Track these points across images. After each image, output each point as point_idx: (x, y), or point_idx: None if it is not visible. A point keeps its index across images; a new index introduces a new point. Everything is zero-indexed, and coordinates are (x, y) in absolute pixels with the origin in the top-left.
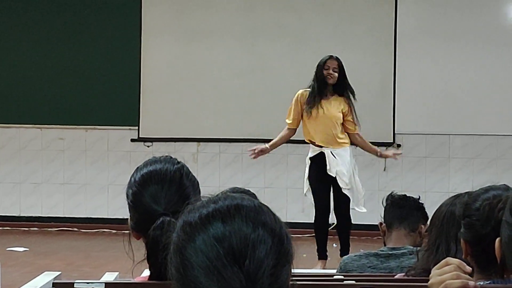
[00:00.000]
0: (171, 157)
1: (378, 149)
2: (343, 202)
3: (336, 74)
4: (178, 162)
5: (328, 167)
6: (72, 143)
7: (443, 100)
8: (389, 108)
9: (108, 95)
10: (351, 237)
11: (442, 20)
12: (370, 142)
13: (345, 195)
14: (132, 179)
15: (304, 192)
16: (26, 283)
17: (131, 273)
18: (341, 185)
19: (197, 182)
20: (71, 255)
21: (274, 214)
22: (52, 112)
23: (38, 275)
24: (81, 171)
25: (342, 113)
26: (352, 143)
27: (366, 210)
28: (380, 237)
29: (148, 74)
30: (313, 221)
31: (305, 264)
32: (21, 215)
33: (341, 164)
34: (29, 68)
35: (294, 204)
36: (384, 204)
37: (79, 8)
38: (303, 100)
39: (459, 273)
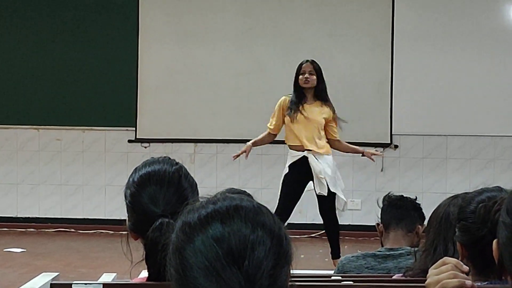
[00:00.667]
0: (169, 158)
1: (361, 148)
2: (328, 205)
3: (314, 77)
4: (177, 163)
5: (312, 169)
6: (70, 144)
7: (441, 101)
8: (386, 109)
9: (105, 96)
10: (348, 238)
11: (439, 22)
12: (367, 143)
13: (329, 197)
14: (131, 179)
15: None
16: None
17: (129, 274)
18: (329, 186)
19: (196, 183)
20: (68, 256)
21: (273, 215)
22: (49, 113)
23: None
24: (78, 172)
25: (325, 119)
26: (333, 148)
27: (346, 200)
28: (377, 237)
29: (145, 75)
30: (310, 222)
31: (303, 265)
32: (18, 216)
33: (326, 166)
34: (27, 69)
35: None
36: (381, 205)
37: (76, 9)
38: (286, 106)
39: (456, 272)
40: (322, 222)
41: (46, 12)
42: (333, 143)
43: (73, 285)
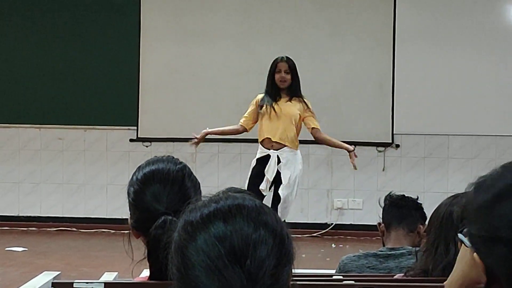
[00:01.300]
0: (173, 157)
1: (351, 147)
2: (274, 203)
3: (289, 77)
4: (181, 163)
5: (266, 169)
6: (71, 143)
7: (442, 100)
8: (387, 108)
9: (107, 95)
10: (350, 237)
11: (441, 21)
12: (369, 142)
13: (277, 197)
14: (134, 177)
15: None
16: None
17: (131, 273)
18: (283, 186)
19: (199, 183)
20: (70, 255)
21: (275, 214)
22: (51, 112)
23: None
24: (80, 171)
25: (300, 112)
26: (316, 139)
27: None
28: (379, 237)
29: (147, 74)
30: (312, 221)
31: (305, 264)
32: (20, 215)
33: (287, 168)
34: (28, 68)
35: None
36: (382, 204)
37: (78, 9)
38: (260, 102)
39: None
40: (323, 221)
41: (46, 12)
42: (315, 133)
43: (74, 284)
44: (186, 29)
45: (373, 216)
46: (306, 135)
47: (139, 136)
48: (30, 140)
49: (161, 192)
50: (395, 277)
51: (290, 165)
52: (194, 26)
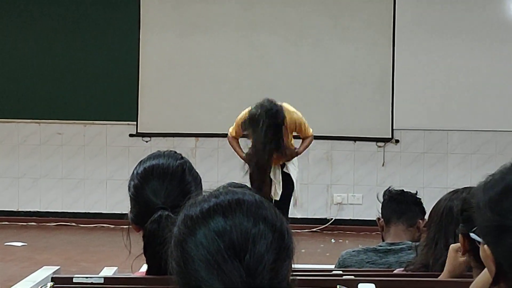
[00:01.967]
0: (175, 152)
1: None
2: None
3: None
4: (182, 158)
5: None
6: (71, 138)
7: (442, 95)
8: (387, 104)
9: (106, 90)
10: (349, 232)
11: (440, 15)
12: (368, 138)
13: (282, 201)
14: (135, 171)
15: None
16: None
17: (131, 267)
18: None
19: (200, 178)
20: (70, 250)
21: (275, 209)
22: (50, 107)
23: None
24: (80, 166)
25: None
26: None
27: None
28: (378, 232)
29: (146, 69)
30: (311, 217)
31: (304, 259)
32: (20, 210)
33: (292, 168)
34: (28, 63)
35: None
36: (381, 199)
37: (77, 3)
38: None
39: None
40: (323, 216)
41: (46, 7)
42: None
43: (74, 278)
44: (187, 22)
45: (373, 211)
46: None
47: (138, 131)
48: (30, 135)
49: (160, 187)
50: (394, 272)
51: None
52: (195, 19)
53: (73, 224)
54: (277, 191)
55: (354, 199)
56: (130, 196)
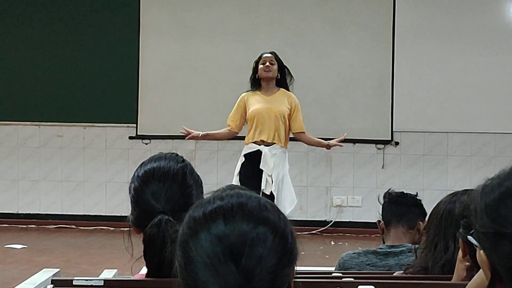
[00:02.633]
0: (177, 155)
1: (325, 142)
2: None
3: (275, 67)
4: (183, 161)
5: (261, 165)
6: (70, 140)
7: (441, 98)
8: (387, 106)
9: (106, 92)
10: (349, 235)
11: (440, 18)
12: (368, 140)
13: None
14: (136, 174)
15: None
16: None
17: (131, 270)
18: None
19: (201, 180)
20: (69, 252)
21: (279, 213)
22: (50, 109)
23: (36, 272)
24: (79, 169)
25: (289, 110)
26: (299, 140)
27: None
28: (378, 234)
29: (146, 71)
30: (311, 219)
31: (304, 261)
32: (19, 212)
33: (278, 164)
34: (28, 65)
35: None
36: (381, 202)
37: (77, 6)
38: (247, 101)
39: None
40: (323, 219)
41: (46, 10)
42: (299, 136)
43: (74, 281)
44: (186, 25)
45: (373, 213)
46: None
47: (138, 133)
48: (29, 137)
49: (160, 190)
50: (394, 274)
51: (279, 162)
52: (194, 23)
53: (73, 226)
54: (268, 184)
55: (354, 201)
56: (130, 199)
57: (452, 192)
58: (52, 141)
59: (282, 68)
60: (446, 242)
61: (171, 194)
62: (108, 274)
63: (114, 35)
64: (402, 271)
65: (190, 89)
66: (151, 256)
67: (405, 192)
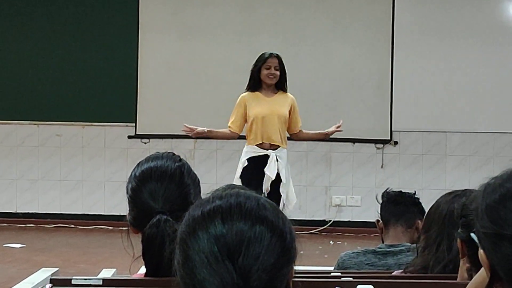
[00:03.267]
0: (173, 154)
1: (324, 131)
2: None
3: (278, 73)
4: (180, 160)
5: (266, 168)
6: (69, 139)
7: (440, 97)
8: (386, 105)
9: (105, 91)
10: (348, 234)
11: (439, 17)
12: (367, 139)
13: (278, 197)
14: (133, 173)
15: None
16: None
17: (129, 269)
18: (283, 184)
19: (198, 180)
20: (68, 252)
21: (279, 212)
22: (49, 109)
23: (35, 271)
24: (78, 168)
25: (289, 111)
26: (296, 139)
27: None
28: (377, 234)
29: (145, 70)
30: (310, 218)
31: (303, 261)
32: (18, 211)
33: (281, 168)
34: (27, 64)
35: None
36: (379, 201)
37: (76, 5)
38: (248, 102)
39: None
40: (322, 218)
41: (45, 9)
42: (297, 135)
43: (72, 280)
44: (185, 25)
45: (372, 213)
46: None
47: (137, 132)
48: (28, 136)
49: (158, 190)
50: (393, 273)
51: (285, 164)
52: (193, 22)
53: (72, 225)
54: (266, 183)
55: (353, 201)
56: (128, 199)
57: (449, 191)
58: (51, 140)
59: (283, 71)
60: (450, 242)
61: (169, 194)
62: (107, 273)
63: (113, 34)
64: (401, 271)
65: (189, 89)
66: (150, 256)
67: (403, 191)
